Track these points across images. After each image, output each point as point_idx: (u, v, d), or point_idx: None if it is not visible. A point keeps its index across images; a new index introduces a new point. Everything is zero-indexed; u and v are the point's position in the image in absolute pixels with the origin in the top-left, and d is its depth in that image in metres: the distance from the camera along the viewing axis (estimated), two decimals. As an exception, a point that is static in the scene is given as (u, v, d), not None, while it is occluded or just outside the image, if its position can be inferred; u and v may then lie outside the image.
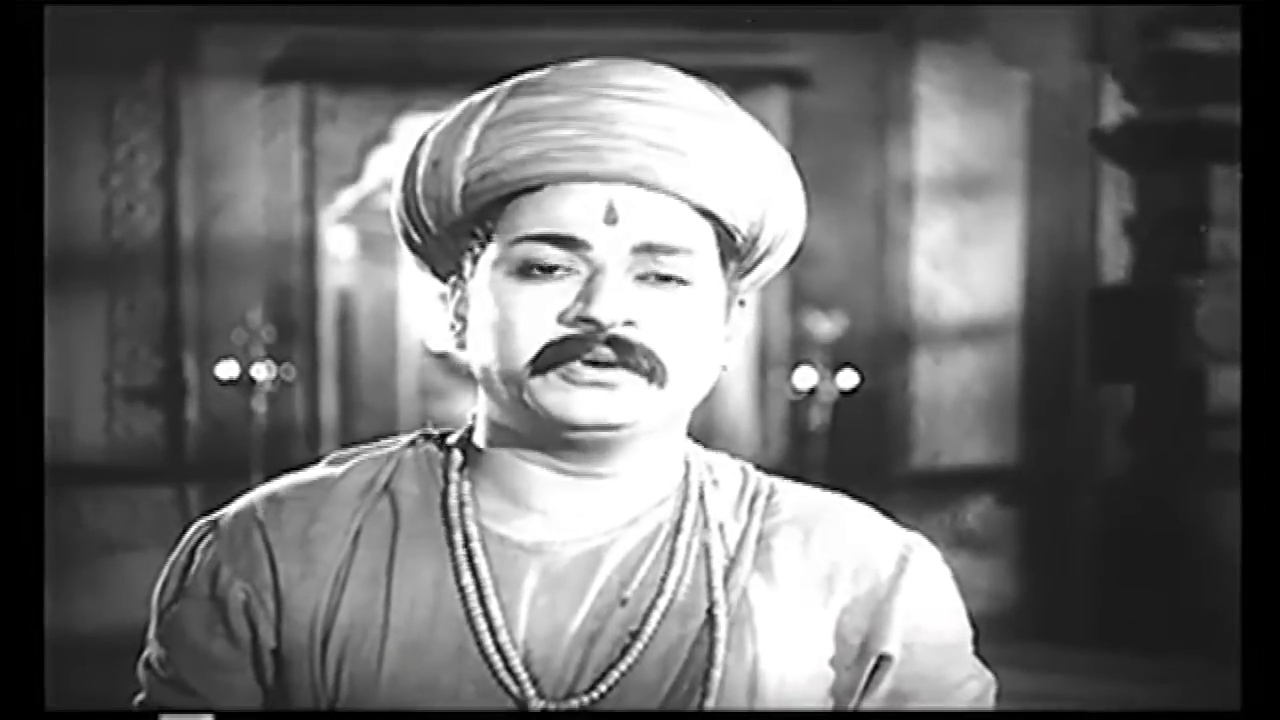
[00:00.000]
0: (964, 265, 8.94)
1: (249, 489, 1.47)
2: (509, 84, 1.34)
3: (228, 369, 8.52)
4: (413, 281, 13.16)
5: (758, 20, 8.84)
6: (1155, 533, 8.34)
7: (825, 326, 8.69)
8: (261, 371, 8.49)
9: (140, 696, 1.41)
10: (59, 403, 8.73)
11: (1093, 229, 8.82)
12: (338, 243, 9.53)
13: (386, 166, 9.27)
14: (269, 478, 1.50)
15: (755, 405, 9.25)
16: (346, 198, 9.48)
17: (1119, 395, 8.83)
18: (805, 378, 8.70)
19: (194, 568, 1.39)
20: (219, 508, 1.48)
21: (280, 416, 8.63)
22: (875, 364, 8.90)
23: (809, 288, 8.96)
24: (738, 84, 9.08)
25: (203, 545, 1.40)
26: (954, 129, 8.89)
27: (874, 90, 8.94)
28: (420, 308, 13.28)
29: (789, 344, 9.02)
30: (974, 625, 1.46)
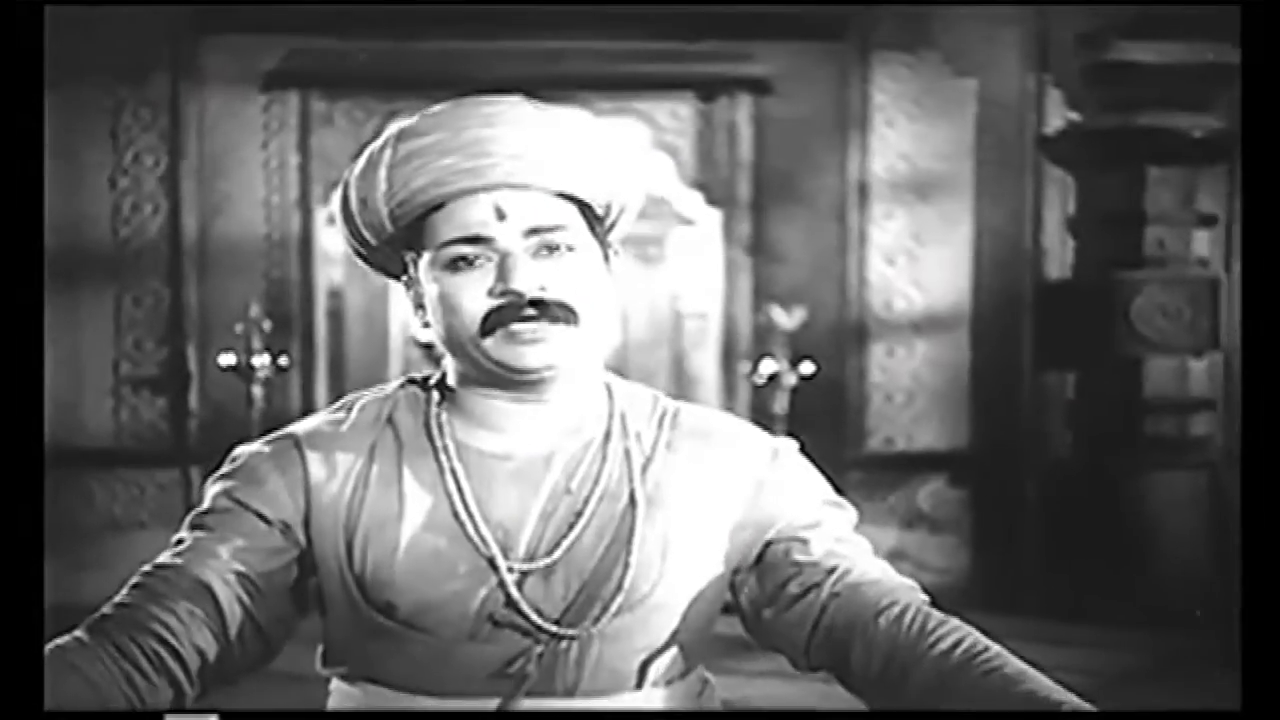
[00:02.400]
0: (917, 262, 8.94)
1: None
2: (394, 131, 1.71)
3: (228, 358, 8.49)
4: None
5: (726, 32, 8.83)
6: (1095, 510, 8.35)
7: (786, 320, 8.67)
8: (259, 361, 8.46)
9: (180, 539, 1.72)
10: (69, 390, 8.72)
11: (1037, 228, 8.83)
12: (330, 241, 9.46)
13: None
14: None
15: (722, 391, 9.23)
16: (339, 199, 9.42)
17: (1061, 383, 8.84)
18: (768, 367, 8.69)
19: (239, 464, 1.73)
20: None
21: (277, 403, 8.59)
22: (834, 354, 8.89)
23: (772, 283, 8.95)
24: (707, 91, 9.06)
25: (245, 453, 1.75)
26: (908, 134, 8.89)
27: (834, 98, 8.92)
28: (406, 304, 13.31)
29: (753, 336, 8.99)
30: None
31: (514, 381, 1.68)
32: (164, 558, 1.70)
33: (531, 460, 1.70)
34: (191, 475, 8.60)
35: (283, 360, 8.65)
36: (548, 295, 1.64)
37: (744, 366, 9.01)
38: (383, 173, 1.69)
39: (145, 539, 8.14)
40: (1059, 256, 8.83)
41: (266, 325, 8.52)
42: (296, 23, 8.73)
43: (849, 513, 1.79)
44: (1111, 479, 8.38)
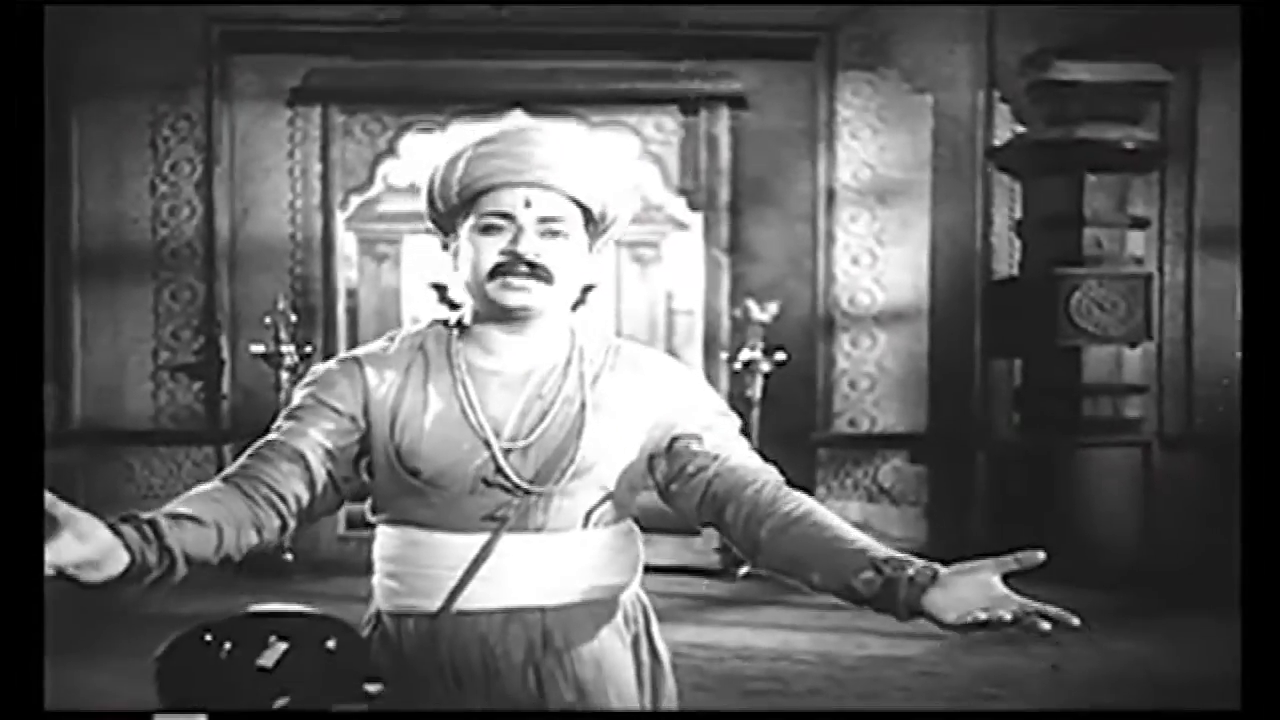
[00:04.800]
0: (879, 260, 8.94)
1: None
2: (476, 139, 2.21)
3: (257, 347, 8.48)
4: (407, 277, 13.67)
5: (706, 52, 8.80)
6: (1039, 484, 8.34)
7: (761, 313, 8.61)
8: (286, 349, 8.43)
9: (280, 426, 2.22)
10: (113, 376, 8.81)
11: (987, 230, 8.86)
12: (348, 245, 9.40)
13: (391, 176, 9.24)
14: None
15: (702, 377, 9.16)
16: (356, 204, 9.38)
17: (1009, 369, 8.85)
18: (744, 355, 8.63)
19: (319, 376, 2.24)
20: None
21: (301, 388, 8.54)
22: (804, 344, 8.86)
23: (748, 280, 8.92)
24: (690, 106, 9.03)
25: (322, 369, 2.26)
26: (871, 145, 8.90)
27: (804, 112, 8.94)
28: (414, 300, 13.41)
29: (731, 327, 8.95)
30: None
31: (505, 318, 2.19)
32: (270, 436, 2.19)
33: (515, 375, 2.22)
34: (224, 453, 8.64)
35: (307, 349, 8.62)
36: (539, 261, 2.14)
37: (723, 354, 8.94)
38: (461, 163, 2.17)
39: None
40: (1006, 255, 8.84)
41: (292, 317, 8.54)
42: (318, 44, 8.78)
43: (734, 420, 2.31)
44: (1054, 456, 8.37)
